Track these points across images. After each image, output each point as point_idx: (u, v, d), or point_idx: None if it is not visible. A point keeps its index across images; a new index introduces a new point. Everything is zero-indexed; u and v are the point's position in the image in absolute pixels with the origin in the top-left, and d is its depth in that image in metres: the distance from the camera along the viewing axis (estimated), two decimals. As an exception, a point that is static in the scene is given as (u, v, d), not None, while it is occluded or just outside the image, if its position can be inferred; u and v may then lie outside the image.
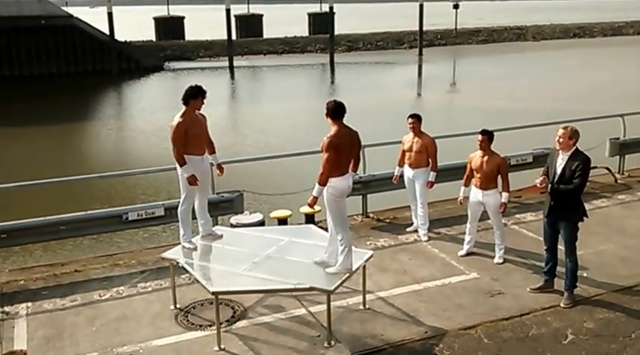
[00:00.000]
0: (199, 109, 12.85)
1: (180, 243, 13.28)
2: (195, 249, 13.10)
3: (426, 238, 16.44)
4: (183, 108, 12.66)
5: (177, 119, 12.58)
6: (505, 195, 14.57)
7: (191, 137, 12.66)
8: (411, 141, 16.34)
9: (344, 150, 11.57)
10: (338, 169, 11.52)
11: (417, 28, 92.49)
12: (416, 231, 16.77)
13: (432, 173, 16.28)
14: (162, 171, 17.38)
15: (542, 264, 13.83)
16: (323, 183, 11.48)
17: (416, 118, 16.33)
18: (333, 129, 11.56)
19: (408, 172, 16.57)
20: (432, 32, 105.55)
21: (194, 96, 12.63)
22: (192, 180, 12.75)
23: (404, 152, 16.55)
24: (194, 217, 13.63)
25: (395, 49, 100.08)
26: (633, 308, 12.76)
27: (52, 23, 73.90)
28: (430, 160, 16.24)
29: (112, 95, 67.06)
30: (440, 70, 76.99)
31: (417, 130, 16.29)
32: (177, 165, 12.83)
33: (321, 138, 11.60)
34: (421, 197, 16.46)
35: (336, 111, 11.63)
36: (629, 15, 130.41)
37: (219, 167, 13.68)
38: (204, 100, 12.81)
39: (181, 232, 13.24)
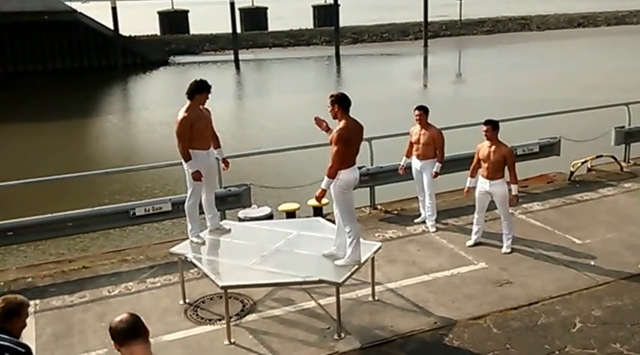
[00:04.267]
0: (204, 104, 12.84)
1: (188, 238, 13.31)
2: (203, 243, 13.12)
3: (433, 229, 16.46)
4: (188, 102, 12.67)
5: (182, 114, 12.58)
6: (514, 187, 14.60)
7: (196, 132, 12.65)
8: (419, 133, 16.37)
9: (353, 142, 11.62)
10: (346, 162, 11.55)
11: (422, 20, 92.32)
12: (424, 222, 16.79)
13: (437, 164, 16.31)
14: (170, 166, 17.37)
15: (550, 253, 13.92)
16: (332, 176, 11.50)
17: (422, 110, 16.36)
18: (341, 121, 11.58)
19: (416, 164, 16.60)
20: (437, 23, 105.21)
21: (199, 90, 12.62)
22: (196, 176, 12.76)
23: (411, 143, 16.58)
24: (202, 212, 13.66)
25: (400, 41, 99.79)
26: (641, 296, 12.80)
27: (55, 18, 73.59)
28: (437, 152, 16.27)
29: (118, 90, 66.98)
30: (445, 61, 76.77)
31: (423, 122, 16.32)
32: (183, 160, 12.87)
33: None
34: (429, 188, 16.48)
35: (344, 102, 11.63)
36: (633, 4, 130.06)
37: (225, 161, 13.68)
38: (209, 95, 12.82)
39: (189, 227, 13.26)
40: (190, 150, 12.68)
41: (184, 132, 12.55)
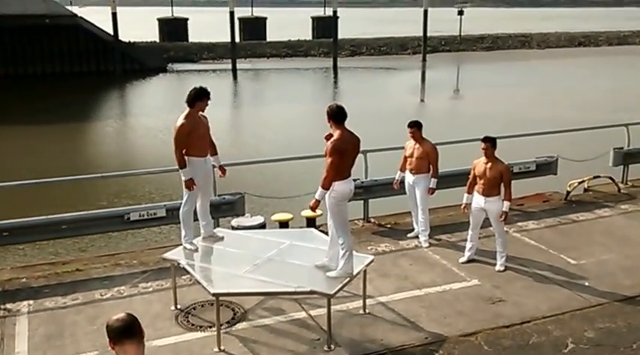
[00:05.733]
0: (203, 111, 12.89)
1: (181, 244, 13.30)
2: (196, 250, 13.12)
3: (426, 244, 16.44)
4: (187, 109, 12.68)
5: (181, 120, 12.61)
6: (506, 203, 14.55)
7: (194, 139, 12.70)
8: (413, 148, 16.37)
9: (347, 154, 11.60)
10: (341, 173, 11.54)
11: (421, 34, 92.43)
12: (417, 236, 16.76)
13: (432, 180, 16.31)
14: (166, 172, 17.37)
15: (544, 272, 13.92)
16: (326, 187, 11.49)
17: (415, 127, 16.37)
18: (336, 133, 11.58)
19: (409, 178, 16.60)
20: (436, 38, 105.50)
21: (199, 97, 12.66)
22: (189, 184, 12.81)
23: (405, 158, 16.58)
24: (196, 219, 13.65)
25: (398, 55, 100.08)
26: (635, 319, 12.75)
27: (56, 22, 73.75)
28: (431, 167, 16.27)
29: (116, 96, 66.99)
30: (443, 77, 76.93)
31: (417, 137, 16.32)
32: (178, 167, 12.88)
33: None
34: (422, 203, 16.46)
35: (338, 115, 11.65)
36: (635, 24, 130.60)
37: (222, 169, 13.70)
38: (209, 102, 12.84)
39: (183, 233, 13.26)
40: (187, 158, 12.70)
41: (181, 140, 12.60)
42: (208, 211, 13.74)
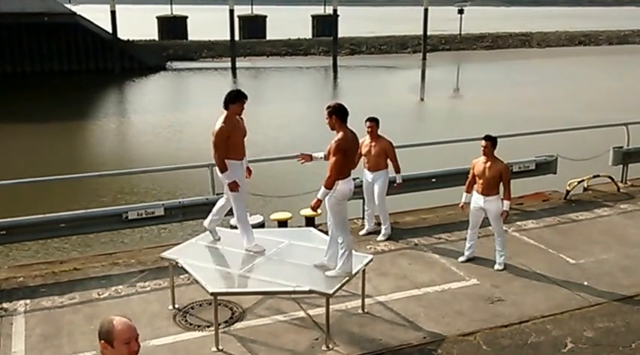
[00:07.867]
0: (240, 114, 12.82)
1: (179, 243, 13.26)
2: (263, 251, 13.02)
3: (383, 238, 16.63)
4: (225, 113, 12.63)
5: (219, 124, 12.54)
6: (506, 202, 14.51)
7: (232, 142, 12.65)
8: (369, 145, 16.43)
9: (350, 153, 11.60)
10: (343, 172, 11.51)
11: (421, 33, 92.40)
12: (369, 233, 17.02)
13: (397, 175, 16.61)
14: (164, 171, 17.33)
15: (543, 272, 13.88)
16: (330, 186, 11.46)
17: (374, 122, 16.46)
18: (339, 133, 11.54)
19: (368, 176, 16.68)
20: (436, 37, 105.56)
21: (232, 100, 12.60)
22: (233, 187, 12.73)
23: (360, 155, 16.33)
24: (208, 213, 13.59)
25: (398, 54, 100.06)
26: (634, 318, 12.72)
27: (54, 20, 73.64)
28: (391, 163, 16.51)
29: (115, 94, 66.78)
30: (443, 75, 76.87)
31: (374, 134, 16.41)
32: (218, 171, 12.84)
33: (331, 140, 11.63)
34: (379, 197, 16.59)
35: (342, 113, 11.61)
36: (635, 24, 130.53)
37: (248, 169, 13.59)
38: (245, 105, 12.77)
39: (245, 238, 13.10)
40: (227, 161, 12.65)
41: (221, 144, 12.53)
42: (226, 211, 13.69)
